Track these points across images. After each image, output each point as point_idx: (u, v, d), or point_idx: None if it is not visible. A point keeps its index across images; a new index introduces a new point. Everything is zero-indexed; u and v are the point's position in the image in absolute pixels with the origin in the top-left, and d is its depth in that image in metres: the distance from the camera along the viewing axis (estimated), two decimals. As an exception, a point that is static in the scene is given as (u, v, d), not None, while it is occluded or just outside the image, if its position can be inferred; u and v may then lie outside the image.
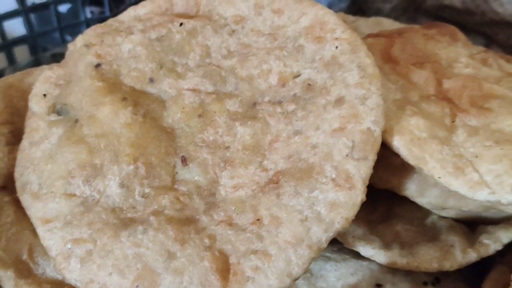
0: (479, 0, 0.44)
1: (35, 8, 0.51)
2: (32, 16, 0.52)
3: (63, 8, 0.53)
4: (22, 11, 0.50)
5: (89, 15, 0.53)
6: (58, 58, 0.46)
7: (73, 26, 0.52)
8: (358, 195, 0.26)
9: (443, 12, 0.48)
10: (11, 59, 0.51)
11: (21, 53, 0.52)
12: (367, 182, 0.26)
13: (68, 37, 0.52)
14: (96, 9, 0.54)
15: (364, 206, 0.31)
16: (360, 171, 0.26)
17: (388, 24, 0.42)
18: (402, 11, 0.50)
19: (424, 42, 0.34)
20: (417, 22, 0.48)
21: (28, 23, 0.51)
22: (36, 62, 0.50)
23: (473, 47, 0.37)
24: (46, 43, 0.53)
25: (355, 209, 0.26)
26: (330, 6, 0.49)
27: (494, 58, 0.35)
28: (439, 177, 0.27)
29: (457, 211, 0.32)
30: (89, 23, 0.53)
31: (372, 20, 0.42)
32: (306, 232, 0.25)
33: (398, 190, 0.31)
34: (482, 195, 0.27)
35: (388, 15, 0.48)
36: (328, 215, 0.25)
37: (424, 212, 0.33)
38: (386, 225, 0.32)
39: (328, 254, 0.33)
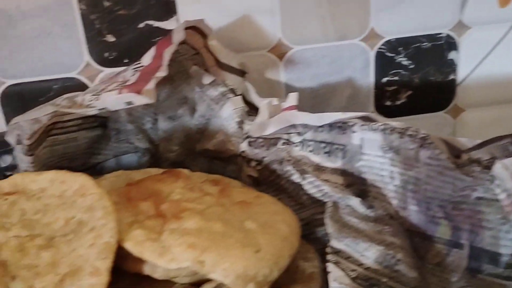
0: (223, 144, 0.64)
1: None
2: None
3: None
4: None
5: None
6: None
7: None
8: (104, 278, 0.43)
9: (207, 152, 0.66)
10: None
11: None
12: (110, 270, 0.43)
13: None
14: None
15: (134, 285, 0.50)
16: (104, 265, 0.43)
17: (154, 171, 0.58)
18: (184, 156, 0.67)
19: (154, 184, 0.53)
20: (196, 161, 0.66)
21: None
22: None
23: (194, 179, 0.56)
24: None
25: (104, 286, 0.43)
26: (138, 159, 0.67)
27: (202, 184, 0.55)
28: (152, 260, 0.45)
29: (187, 278, 0.49)
30: None
31: (143, 170, 0.59)
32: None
33: (142, 272, 0.48)
34: (173, 265, 0.45)
35: (175, 160, 0.66)
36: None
37: (172, 283, 0.50)
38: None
39: None
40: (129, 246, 0.45)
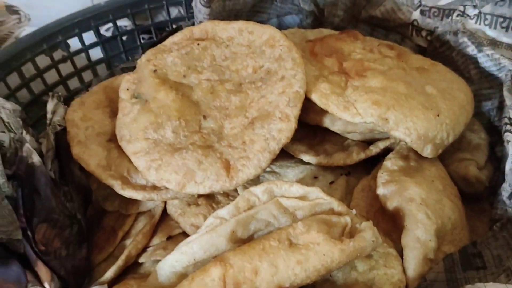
0: (392, 12, 0.63)
1: (108, 40, 0.71)
2: (106, 45, 0.71)
3: (125, 37, 0.72)
4: (100, 42, 0.70)
5: (142, 41, 0.73)
6: (125, 70, 0.66)
7: (132, 49, 0.72)
8: (292, 124, 0.46)
9: (372, 20, 0.65)
10: (95, 74, 0.71)
11: (101, 69, 0.72)
12: (297, 118, 0.46)
13: (129, 56, 0.72)
14: (146, 36, 0.73)
15: (309, 136, 0.53)
16: (293, 113, 0.46)
17: (326, 32, 0.59)
18: (347, 22, 0.67)
19: (335, 42, 0.54)
20: (357, 28, 0.65)
21: (104, 50, 0.71)
22: (111, 74, 0.67)
23: (369, 41, 0.56)
24: (116, 61, 0.72)
25: (291, 132, 0.46)
26: (301, 21, 0.67)
27: (379, 47, 0.55)
28: (337, 113, 0.47)
29: (360, 135, 0.52)
30: (143, 46, 0.72)
31: (317, 30, 0.60)
32: (267, 145, 0.46)
33: (321, 124, 0.51)
34: (357, 119, 0.47)
35: (338, 25, 0.66)
36: (278, 135, 0.46)
37: (344, 138, 0.53)
38: (320, 146, 0.53)
39: (288, 164, 0.53)
40: (315, 97, 0.48)
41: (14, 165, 0.48)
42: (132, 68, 0.66)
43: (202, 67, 0.51)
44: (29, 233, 0.45)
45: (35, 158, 0.47)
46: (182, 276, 0.42)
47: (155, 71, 0.51)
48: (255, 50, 0.50)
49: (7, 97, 0.58)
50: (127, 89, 0.52)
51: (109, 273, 0.48)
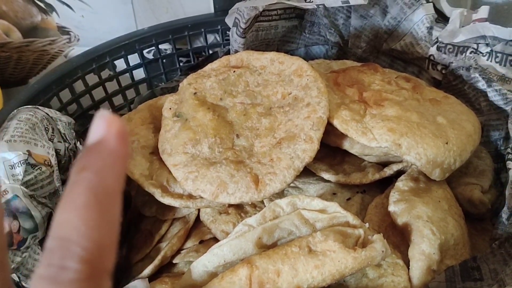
0: (410, 47, 0.68)
1: (150, 62, 0.78)
2: (148, 66, 0.78)
3: (165, 60, 0.79)
4: (142, 64, 0.77)
5: (181, 63, 0.80)
6: (164, 89, 0.73)
7: (171, 71, 0.79)
8: (315, 146, 0.51)
9: (392, 52, 0.70)
10: (137, 92, 0.78)
11: (143, 88, 0.79)
12: (320, 140, 0.51)
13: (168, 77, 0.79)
14: (184, 59, 0.81)
15: (329, 156, 0.58)
16: (316, 135, 0.51)
17: (349, 63, 0.66)
18: (369, 53, 0.72)
19: (357, 74, 0.60)
20: (378, 59, 0.72)
21: (146, 71, 0.78)
22: (151, 93, 0.74)
23: (388, 74, 0.62)
24: (156, 81, 0.79)
25: (314, 153, 0.51)
26: (326, 51, 0.74)
27: (396, 79, 0.61)
28: (355, 137, 0.53)
29: (375, 158, 0.57)
30: (181, 69, 0.79)
31: (340, 62, 0.67)
32: (292, 163, 0.51)
33: (341, 146, 0.56)
34: (373, 144, 0.52)
35: (361, 56, 0.72)
36: (302, 155, 0.51)
37: (361, 160, 0.59)
38: (339, 166, 0.59)
39: (310, 181, 0.59)
40: (336, 123, 0.53)
41: (68, 171, 0.54)
42: (171, 88, 0.73)
43: (237, 92, 0.57)
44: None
45: (87, 166, 0.53)
46: (213, 275, 0.47)
47: (195, 93, 0.57)
48: (284, 79, 0.57)
49: (59, 110, 0.65)
50: (170, 108, 0.59)
51: (147, 271, 0.54)
